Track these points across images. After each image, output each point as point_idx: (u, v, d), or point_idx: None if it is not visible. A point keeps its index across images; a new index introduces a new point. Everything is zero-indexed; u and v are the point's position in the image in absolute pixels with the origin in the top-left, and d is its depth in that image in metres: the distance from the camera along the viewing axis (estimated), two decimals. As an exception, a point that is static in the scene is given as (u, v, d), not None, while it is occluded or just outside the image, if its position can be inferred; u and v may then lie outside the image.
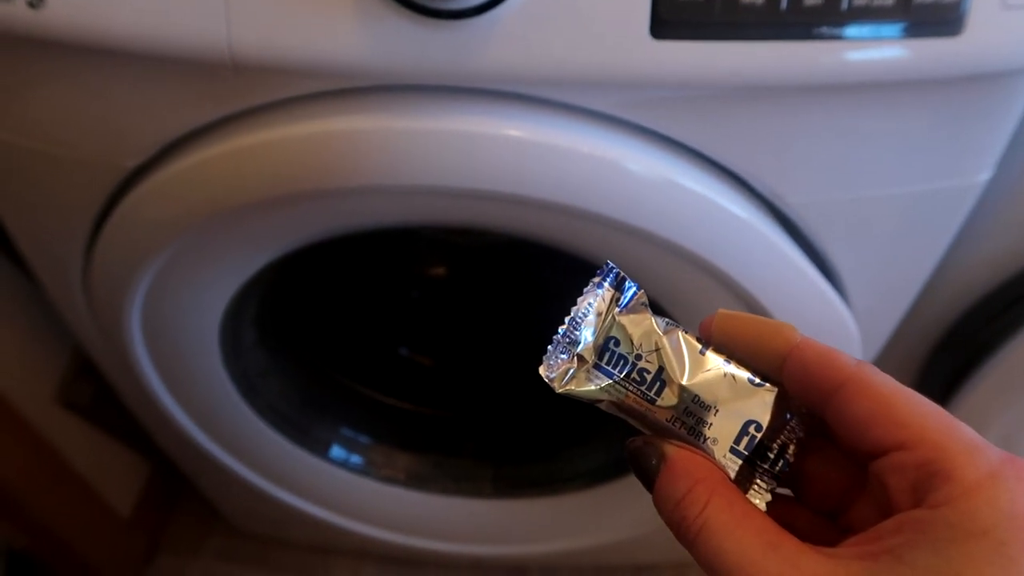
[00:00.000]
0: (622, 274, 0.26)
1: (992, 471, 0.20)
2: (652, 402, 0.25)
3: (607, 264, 0.26)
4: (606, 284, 0.26)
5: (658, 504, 0.24)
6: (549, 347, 0.26)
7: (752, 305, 0.50)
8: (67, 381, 0.83)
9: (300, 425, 0.76)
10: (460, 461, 0.83)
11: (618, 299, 0.26)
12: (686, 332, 0.25)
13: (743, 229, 0.46)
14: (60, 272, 0.59)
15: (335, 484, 0.80)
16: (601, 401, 0.26)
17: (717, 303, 0.51)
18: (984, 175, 0.49)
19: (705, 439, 0.25)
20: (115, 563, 0.94)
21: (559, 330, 0.26)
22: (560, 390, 0.26)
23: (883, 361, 0.65)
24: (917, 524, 0.20)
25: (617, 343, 0.26)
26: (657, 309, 0.54)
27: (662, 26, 0.37)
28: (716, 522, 0.22)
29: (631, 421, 0.26)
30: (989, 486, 0.20)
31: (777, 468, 0.25)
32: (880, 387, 0.22)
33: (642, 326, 0.26)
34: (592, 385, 0.26)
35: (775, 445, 0.25)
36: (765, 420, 0.25)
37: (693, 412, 0.25)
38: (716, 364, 0.25)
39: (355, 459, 0.80)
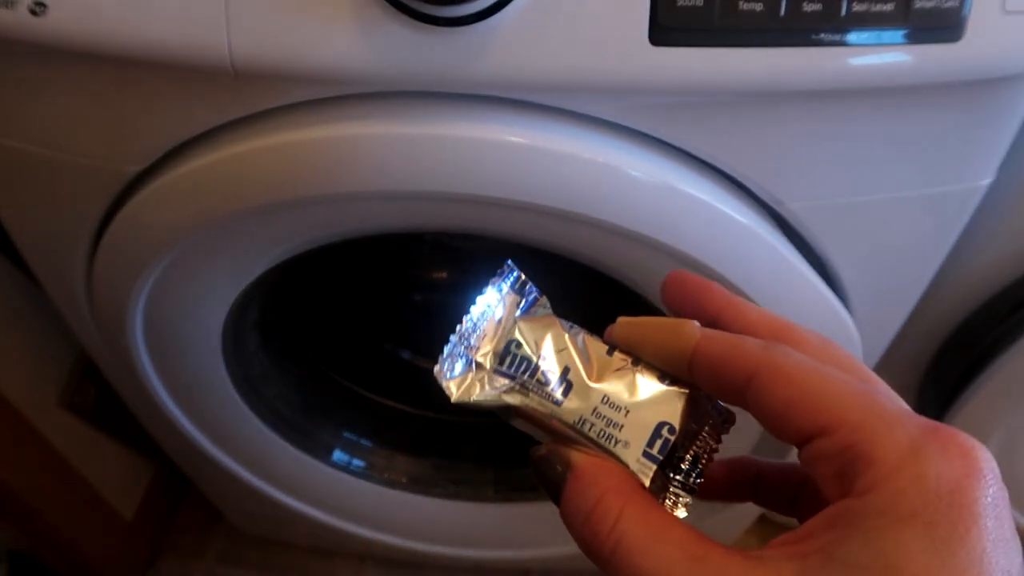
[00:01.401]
0: (523, 277, 0.25)
1: (914, 446, 0.18)
2: (558, 404, 0.23)
3: (507, 265, 0.25)
4: (506, 286, 0.25)
5: (566, 519, 0.22)
6: (445, 348, 0.24)
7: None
8: (71, 384, 0.84)
9: (302, 428, 0.76)
10: (462, 465, 0.83)
11: (519, 303, 0.24)
12: (591, 335, 0.24)
13: (744, 234, 0.46)
14: (63, 276, 0.59)
15: (337, 487, 0.80)
16: (503, 408, 0.23)
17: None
18: (986, 180, 0.48)
19: (617, 442, 0.23)
20: (118, 565, 0.95)
21: (454, 331, 0.24)
22: (456, 399, 0.24)
23: (886, 365, 0.65)
24: (846, 517, 0.18)
25: (519, 345, 0.24)
26: (655, 312, 0.54)
27: (661, 32, 0.37)
28: (632, 537, 0.20)
29: (535, 432, 0.24)
30: (913, 463, 0.18)
31: (691, 480, 0.23)
32: (791, 370, 0.21)
33: (545, 328, 0.24)
34: (492, 391, 0.23)
35: (688, 456, 0.23)
36: (678, 423, 0.23)
37: (603, 414, 0.23)
38: (625, 365, 0.23)
39: (357, 462, 0.80)
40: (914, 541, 0.17)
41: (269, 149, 0.44)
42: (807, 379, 0.20)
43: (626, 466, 0.22)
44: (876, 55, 0.38)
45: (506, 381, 0.23)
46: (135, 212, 0.50)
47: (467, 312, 0.24)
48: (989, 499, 0.18)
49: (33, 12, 0.38)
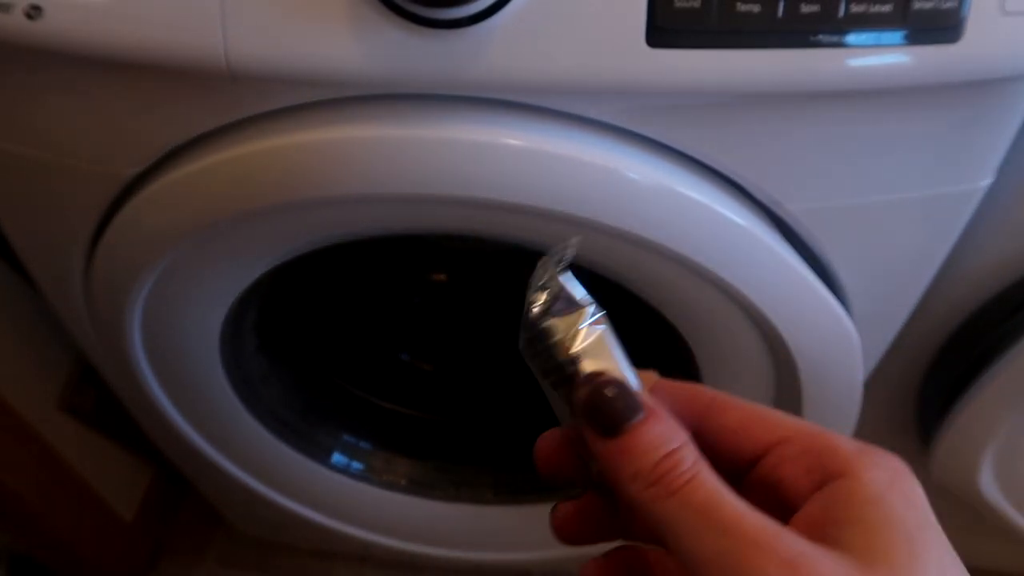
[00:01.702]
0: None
1: (859, 448, 0.22)
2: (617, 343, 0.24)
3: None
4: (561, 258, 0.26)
5: (636, 452, 0.22)
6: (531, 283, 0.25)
7: (752, 312, 0.50)
8: (70, 387, 0.84)
9: (301, 431, 0.76)
10: (461, 467, 0.83)
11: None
12: None
13: (743, 236, 0.46)
14: (60, 280, 0.59)
15: (336, 490, 0.80)
16: (588, 310, 0.24)
17: (715, 310, 0.51)
18: (985, 181, 0.48)
19: None
20: (118, 568, 0.95)
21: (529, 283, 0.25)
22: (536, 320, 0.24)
23: (886, 366, 0.64)
24: (841, 497, 0.21)
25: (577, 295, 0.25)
26: (655, 315, 0.54)
27: (658, 34, 0.37)
28: (709, 477, 0.22)
29: (594, 359, 0.24)
30: (866, 458, 0.22)
31: None
32: (742, 403, 0.24)
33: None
34: (583, 297, 0.24)
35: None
36: None
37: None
38: None
39: (356, 465, 0.80)
40: (901, 505, 0.21)
41: (266, 152, 0.44)
42: (756, 408, 0.24)
43: None
44: (874, 56, 0.38)
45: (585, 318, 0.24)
46: (133, 215, 0.50)
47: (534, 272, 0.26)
48: (919, 487, 0.22)
49: (29, 16, 0.38)
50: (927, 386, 0.71)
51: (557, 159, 0.43)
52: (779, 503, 0.23)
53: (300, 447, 0.76)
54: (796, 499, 0.22)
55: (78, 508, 0.88)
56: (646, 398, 0.23)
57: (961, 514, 0.83)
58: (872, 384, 0.62)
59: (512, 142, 0.43)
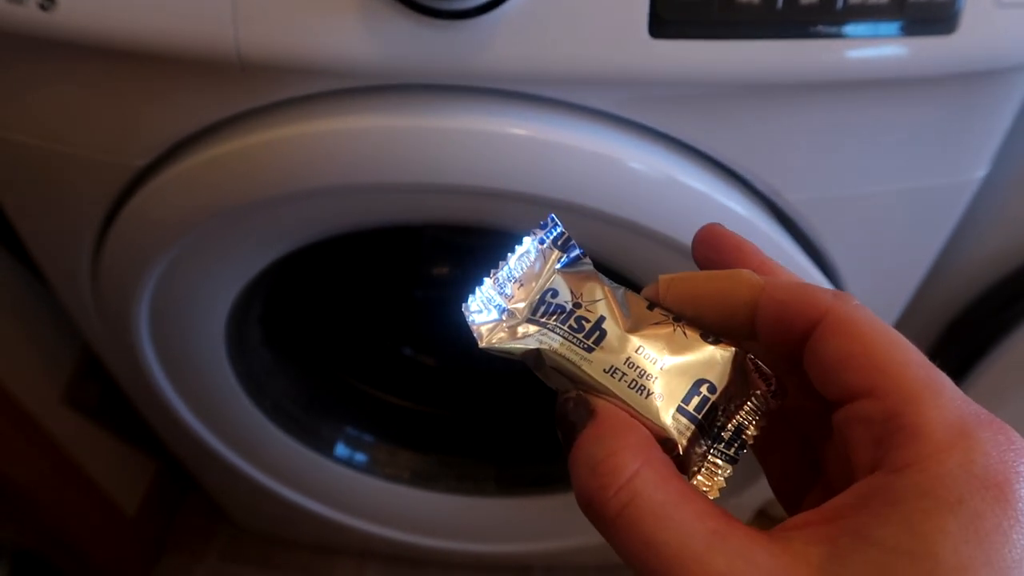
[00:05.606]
0: (567, 234, 0.24)
1: (965, 430, 0.17)
2: (589, 351, 0.21)
3: (551, 219, 0.24)
4: (548, 240, 0.24)
5: (573, 468, 0.19)
6: (476, 289, 0.23)
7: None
8: (74, 382, 0.84)
9: (305, 424, 0.77)
10: (463, 460, 0.83)
11: (560, 257, 0.24)
12: (632, 292, 0.23)
13: (742, 225, 0.47)
14: (68, 271, 0.60)
15: (339, 482, 0.80)
16: (532, 356, 0.22)
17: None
18: (980, 172, 0.49)
19: (649, 393, 0.20)
20: (121, 563, 0.95)
21: (488, 276, 0.23)
22: (485, 345, 0.23)
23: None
24: (883, 495, 0.17)
25: (555, 295, 0.23)
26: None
27: (661, 25, 0.38)
28: (647, 501, 0.18)
29: (565, 384, 0.22)
30: (962, 448, 0.17)
31: (732, 451, 0.20)
32: (860, 324, 0.19)
33: (584, 280, 0.23)
34: (523, 338, 0.22)
35: (731, 424, 0.21)
36: (720, 382, 0.21)
37: (636, 364, 0.21)
38: (665, 320, 0.22)
39: (359, 457, 0.81)
40: (958, 531, 0.16)
41: (273, 142, 0.45)
42: (874, 336, 0.19)
43: (658, 420, 0.20)
44: (872, 48, 0.39)
45: (537, 329, 0.22)
46: (141, 206, 0.50)
47: (503, 259, 0.23)
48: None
49: (42, 7, 0.39)
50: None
51: (560, 148, 0.43)
52: (849, 467, 0.19)
53: (304, 439, 0.76)
54: (856, 471, 0.18)
55: (81, 503, 0.88)
56: (601, 402, 0.20)
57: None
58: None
59: (515, 131, 0.43)
